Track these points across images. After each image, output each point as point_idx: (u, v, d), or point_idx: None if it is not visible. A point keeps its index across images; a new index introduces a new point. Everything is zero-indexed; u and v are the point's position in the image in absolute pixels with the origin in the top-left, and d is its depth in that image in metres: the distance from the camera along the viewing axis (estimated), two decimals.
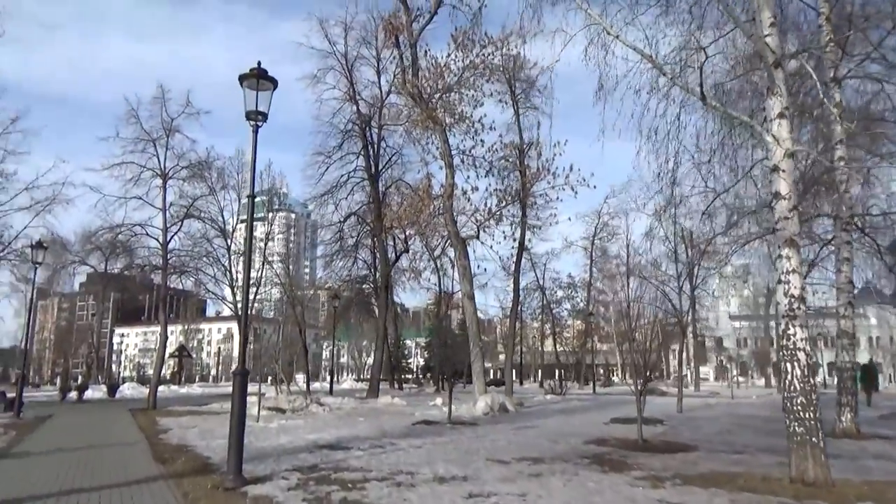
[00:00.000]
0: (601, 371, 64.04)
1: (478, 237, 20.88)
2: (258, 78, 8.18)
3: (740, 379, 62.51)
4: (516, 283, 29.73)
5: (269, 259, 31.88)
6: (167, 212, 23.00)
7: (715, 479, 7.72)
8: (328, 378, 37.99)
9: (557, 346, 52.54)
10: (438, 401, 23.96)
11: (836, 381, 14.27)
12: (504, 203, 20.98)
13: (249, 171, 8.14)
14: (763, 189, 13.27)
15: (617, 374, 75.99)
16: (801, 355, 7.67)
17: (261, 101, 8.27)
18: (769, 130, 8.05)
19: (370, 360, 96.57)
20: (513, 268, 28.52)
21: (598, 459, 9.47)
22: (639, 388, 12.15)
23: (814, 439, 7.40)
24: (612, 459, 9.52)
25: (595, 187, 21.47)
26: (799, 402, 7.54)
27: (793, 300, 7.83)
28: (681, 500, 6.57)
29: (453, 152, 20.48)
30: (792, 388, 7.62)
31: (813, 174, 14.58)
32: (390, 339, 40.26)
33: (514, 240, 26.44)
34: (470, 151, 21.14)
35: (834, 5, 12.31)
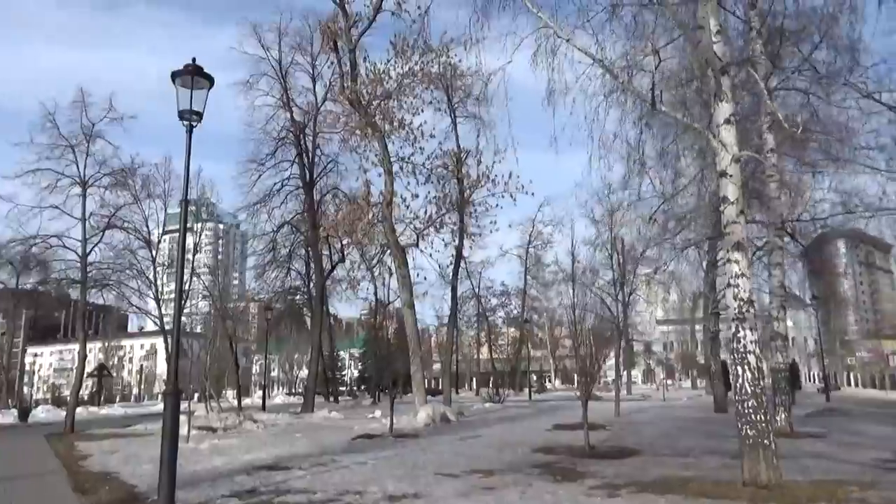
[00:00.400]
0: (535, 378, 64.63)
1: (417, 245, 20.59)
2: (193, 75, 7.63)
3: (668, 382, 64.57)
4: (454, 291, 29.61)
5: (198, 271, 30.49)
6: (87, 222, 21.59)
7: (668, 486, 7.65)
8: (260, 393, 36.68)
9: (493, 353, 52.68)
10: (377, 413, 23.42)
11: (769, 382, 14.69)
12: (443, 211, 20.76)
13: (183, 175, 7.56)
14: (702, 197, 13.61)
15: (551, 381, 77.22)
16: (752, 358, 7.72)
17: (196, 101, 7.71)
18: (716, 136, 8.12)
19: (303, 374, 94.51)
20: (451, 276, 28.36)
21: (549, 469, 9.31)
22: (584, 394, 12.07)
23: (766, 441, 7.43)
24: (562, 468, 9.37)
25: (533, 194, 21.59)
26: (750, 404, 7.56)
27: (742, 303, 7.88)
28: None
29: (392, 159, 20.14)
30: (743, 390, 7.64)
31: (745, 182, 15.03)
32: (325, 350, 39.33)
33: (454, 248, 26.38)
34: (409, 159, 20.88)
35: (765, 19, 12.74)
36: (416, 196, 20.44)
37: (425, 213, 20.27)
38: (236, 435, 16.63)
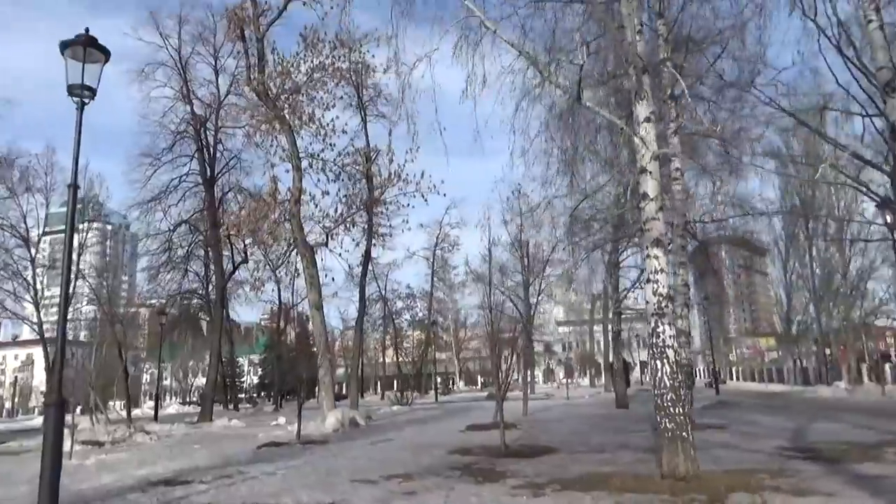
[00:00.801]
0: (440, 380, 64.80)
1: (326, 245, 19.91)
2: (86, 46, 6.83)
3: (568, 380, 66.64)
4: (362, 291, 29.01)
5: (84, 273, 28.07)
6: None
7: (590, 482, 7.60)
8: (152, 403, 34.44)
9: (399, 356, 52.23)
10: (281, 420, 22.48)
11: None
12: (354, 209, 20.18)
13: (72, 156, 6.75)
14: (610, 197, 13.92)
15: (455, 382, 77.73)
16: (670, 352, 7.83)
17: (88, 75, 6.91)
18: (636, 133, 8.21)
19: (198, 382, 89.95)
20: (360, 276, 27.77)
21: (469, 470, 9.08)
22: (501, 394, 11.98)
23: (684, 434, 7.55)
24: (482, 469, 9.17)
25: (445, 195, 21.45)
26: (669, 398, 7.66)
27: (661, 299, 7.99)
28: None
29: (301, 155, 19.37)
30: (662, 384, 7.73)
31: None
32: (224, 356, 37.49)
33: (363, 248, 25.85)
34: (319, 155, 20.16)
35: (672, 27, 13.21)
36: (327, 193, 19.80)
37: (336, 211, 19.67)
38: (126, 448, 15.32)
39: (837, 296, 38.74)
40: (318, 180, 19.94)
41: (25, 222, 22.96)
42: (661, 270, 8.13)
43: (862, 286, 38.63)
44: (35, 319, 23.62)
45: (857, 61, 14.02)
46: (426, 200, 21.24)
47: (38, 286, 23.38)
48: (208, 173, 30.22)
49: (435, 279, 49.99)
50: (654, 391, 7.82)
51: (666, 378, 7.73)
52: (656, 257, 8.18)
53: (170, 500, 7.66)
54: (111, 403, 63.48)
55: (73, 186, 6.93)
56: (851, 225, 34.15)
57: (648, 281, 8.17)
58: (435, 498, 7.12)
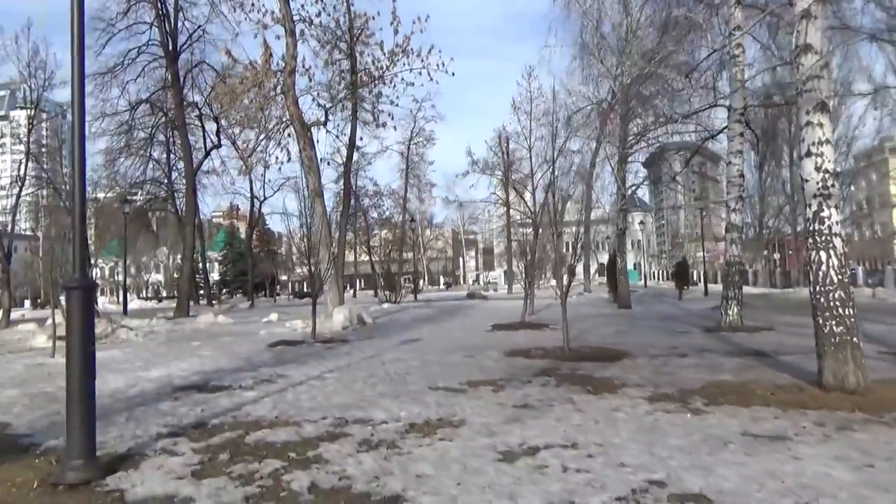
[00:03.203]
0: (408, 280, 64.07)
1: (325, 124, 17.61)
2: None
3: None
4: (347, 182, 26.92)
5: (34, 154, 24.91)
6: None
7: (727, 393, 6.35)
8: (111, 298, 32.30)
9: (371, 255, 50.59)
10: (273, 316, 21.01)
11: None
12: (357, 85, 17.65)
13: None
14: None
15: (423, 283, 77.29)
16: (838, 242, 6.41)
17: None
18: None
19: (154, 278, 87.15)
20: (344, 164, 25.59)
21: (569, 378, 7.62)
22: (565, 289, 10.56)
23: (854, 339, 6.26)
24: (576, 375, 7.82)
25: (454, 74, 19.03)
26: (837, 296, 6.31)
27: (826, 176, 6.48)
28: (759, 430, 4.97)
29: (295, 18, 16.65)
30: (828, 280, 6.35)
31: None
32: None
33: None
34: (313, 20, 17.44)
35: None
36: (332, 64, 17.28)
37: (338, 84, 17.21)
38: (113, 346, 13.56)
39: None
40: (316, 50, 17.32)
41: None
42: (826, 141, 6.57)
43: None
44: None
45: None
46: (432, 78, 18.86)
47: None
48: (170, 46, 26.76)
49: (410, 175, 47.60)
50: (818, 288, 6.43)
51: (833, 273, 6.34)
52: (820, 125, 6.59)
53: (217, 411, 6.06)
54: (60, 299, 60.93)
55: None
56: None
57: (809, 154, 6.60)
58: (563, 415, 5.70)
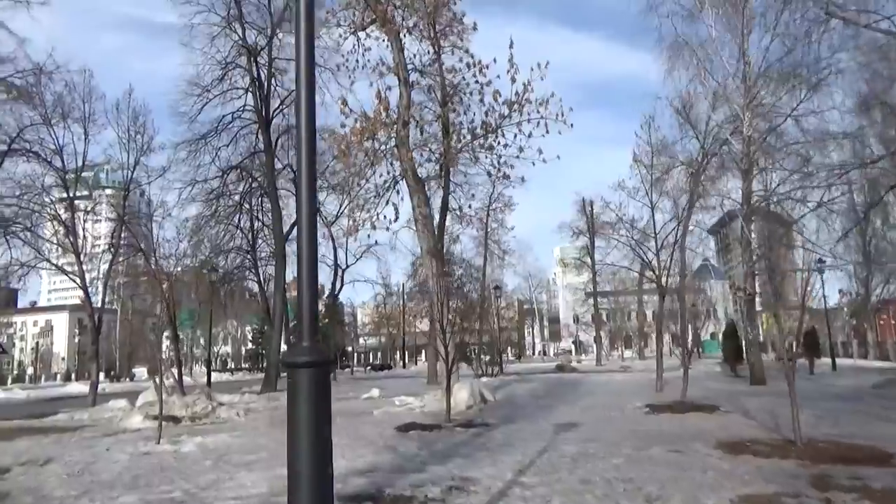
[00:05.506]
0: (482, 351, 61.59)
1: (441, 176, 16.14)
2: None
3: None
4: (441, 246, 25.27)
5: (127, 223, 24.40)
6: None
7: None
8: (203, 370, 31.21)
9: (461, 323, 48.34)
10: (374, 392, 19.10)
11: None
12: (482, 133, 16.01)
13: None
14: None
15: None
16: None
17: None
18: None
19: (225, 349, 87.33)
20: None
21: (853, 489, 5.41)
22: (790, 366, 8.28)
23: None
24: (864, 488, 5.52)
25: (572, 125, 17.33)
26: None
27: None
28: None
29: (409, 66, 15.53)
30: None
31: None
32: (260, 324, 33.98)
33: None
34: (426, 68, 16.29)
35: None
36: (437, 118, 15.94)
37: (457, 137, 15.70)
38: (217, 428, 11.89)
39: None
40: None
41: (62, 158, 19.24)
42: None
43: None
44: (77, 270, 20.05)
45: None
46: (548, 131, 17.14)
47: (81, 230, 19.79)
48: (263, 111, 26.46)
49: (490, 241, 45.81)
50: None
51: None
52: None
53: None
54: (133, 371, 61.12)
55: None
56: None
57: None
58: None
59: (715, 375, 25.35)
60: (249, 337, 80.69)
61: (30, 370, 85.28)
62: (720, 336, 44.86)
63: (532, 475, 6.40)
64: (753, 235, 22.18)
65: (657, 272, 19.09)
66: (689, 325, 18.24)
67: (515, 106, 16.43)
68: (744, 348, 25.20)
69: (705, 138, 23.24)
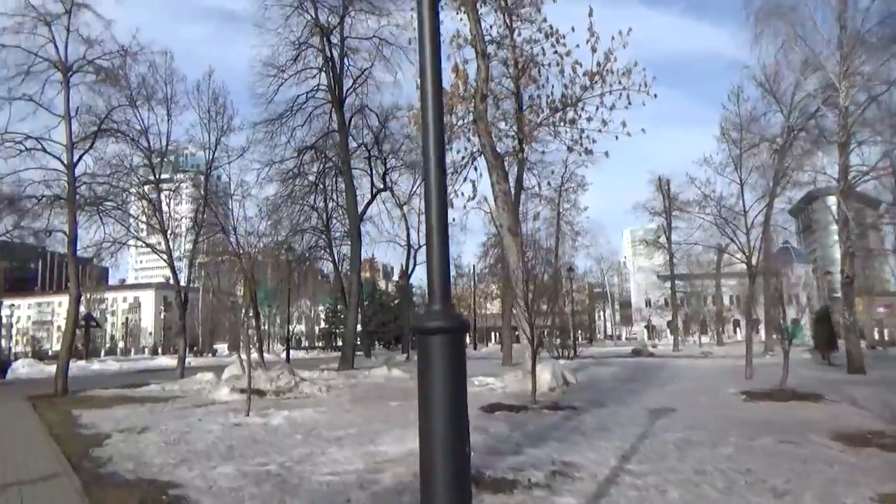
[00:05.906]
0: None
1: (521, 151, 15.63)
2: None
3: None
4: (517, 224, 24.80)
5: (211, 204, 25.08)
6: (73, 120, 16.56)
7: None
8: (282, 348, 32.01)
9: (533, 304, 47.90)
10: None
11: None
12: (562, 106, 15.43)
13: None
14: None
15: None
16: None
17: None
18: None
19: (299, 328, 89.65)
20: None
21: None
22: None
23: None
24: None
25: (655, 96, 16.32)
26: None
27: None
28: None
29: (487, 38, 15.04)
30: None
31: None
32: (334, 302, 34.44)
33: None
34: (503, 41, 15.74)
35: None
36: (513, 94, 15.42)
37: (536, 110, 15.16)
38: (300, 402, 11.97)
39: None
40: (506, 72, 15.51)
41: (148, 139, 19.83)
42: None
43: None
44: (164, 248, 20.75)
45: None
46: (631, 102, 16.21)
47: (168, 210, 20.46)
48: (336, 90, 26.52)
49: (562, 222, 44.77)
50: None
51: None
52: None
53: None
54: (215, 347, 63.64)
55: None
56: None
57: None
58: None
59: (805, 363, 23.92)
60: (322, 316, 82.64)
61: (121, 343, 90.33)
62: (806, 322, 42.47)
63: (638, 462, 6.00)
64: (851, 214, 20.67)
65: (748, 252, 18.08)
66: (780, 310, 17.15)
67: (597, 77, 15.65)
68: (838, 335, 23.70)
69: (790, 112, 21.66)
